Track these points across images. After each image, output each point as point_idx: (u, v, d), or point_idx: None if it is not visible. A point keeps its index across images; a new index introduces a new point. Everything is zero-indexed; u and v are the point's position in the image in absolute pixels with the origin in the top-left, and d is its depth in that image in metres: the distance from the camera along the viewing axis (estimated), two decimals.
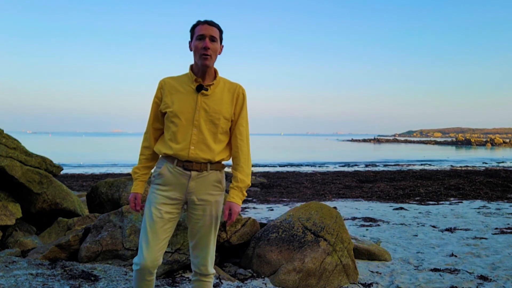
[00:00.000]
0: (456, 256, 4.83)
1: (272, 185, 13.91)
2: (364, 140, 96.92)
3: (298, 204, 9.13)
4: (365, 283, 3.84)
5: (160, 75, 2.66)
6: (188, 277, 3.47)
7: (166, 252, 3.54)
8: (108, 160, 30.46)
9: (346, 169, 22.87)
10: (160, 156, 2.20)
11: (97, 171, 21.69)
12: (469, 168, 21.63)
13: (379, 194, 11.64)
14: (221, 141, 2.16)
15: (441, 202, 9.99)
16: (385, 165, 25.93)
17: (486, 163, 28.04)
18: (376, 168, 22.99)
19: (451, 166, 24.77)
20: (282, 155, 39.82)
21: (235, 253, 4.22)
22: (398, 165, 26.41)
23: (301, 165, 27.05)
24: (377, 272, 4.18)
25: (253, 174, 17.82)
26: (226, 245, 3.99)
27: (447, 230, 6.40)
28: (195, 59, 2.10)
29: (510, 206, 9.06)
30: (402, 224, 6.92)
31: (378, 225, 6.85)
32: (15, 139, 4.78)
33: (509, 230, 6.25)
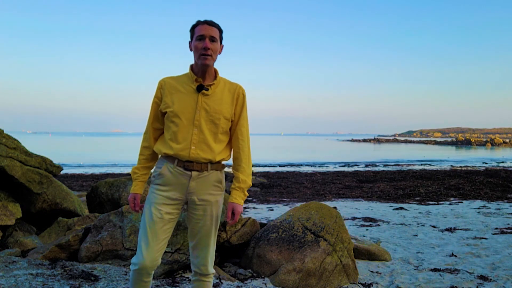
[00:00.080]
0: (456, 256, 4.83)
1: (272, 185, 13.91)
2: (364, 140, 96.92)
3: (298, 204, 9.14)
4: (365, 283, 3.84)
5: (160, 75, 2.67)
6: (188, 277, 3.47)
7: (166, 252, 3.54)
8: (108, 160, 30.45)
9: (346, 169, 22.87)
10: (160, 156, 2.19)
11: (97, 171, 21.69)
12: (469, 168, 21.63)
13: (379, 194, 11.64)
14: (221, 141, 2.16)
15: (441, 202, 9.99)
16: (385, 165, 25.93)
17: (486, 163, 28.04)
18: (376, 168, 22.99)
19: (451, 166, 24.77)
20: (282, 155, 39.81)
21: (235, 253, 4.22)
22: (398, 165, 26.42)
23: (301, 165, 27.05)
24: (377, 272, 4.18)
25: (253, 174, 17.82)
26: (226, 245, 3.99)
27: (447, 230, 6.40)
28: (195, 59, 2.10)
29: (510, 206, 9.06)
30: (402, 224, 6.92)
31: (378, 225, 6.85)
32: (15, 139, 4.78)
33: (509, 230, 6.25)
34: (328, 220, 4.08)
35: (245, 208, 9.14)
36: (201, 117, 2.08)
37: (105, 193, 5.20)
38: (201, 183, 2.11)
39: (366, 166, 25.39)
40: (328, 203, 9.21)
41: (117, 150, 48.22)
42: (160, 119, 2.19)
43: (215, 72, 2.17)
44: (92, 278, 3.12)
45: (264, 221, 5.91)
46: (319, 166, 25.80)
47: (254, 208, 9.24)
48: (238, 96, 2.19)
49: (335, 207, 6.70)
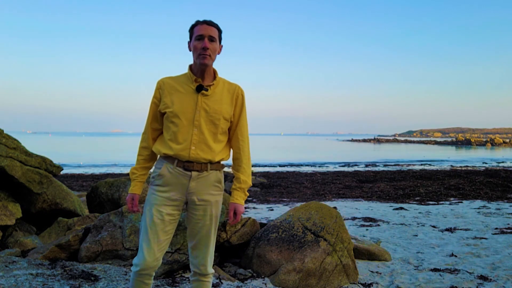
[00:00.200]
0: (456, 256, 4.83)
1: (272, 185, 13.91)
2: (364, 140, 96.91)
3: (298, 204, 9.14)
4: (365, 283, 3.84)
5: (160, 75, 2.66)
6: (188, 277, 3.47)
7: (166, 252, 3.54)
8: (108, 160, 30.45)
9: (346, 169, 22.87)
10: (159, 156, 2.18)
11: (97, 171, 21.69)
12: (469, 168, 21.63)
13: (379, 194, 11.64)
14: (220, 141, 2.16)
15: (441, 202, 9.99)
16: (385, 165, 25.93)
17: (486, 163, 28.04)
18: (376, 168, 22.99)
19: (451, 166, 24.77)
20: (282, 155, 39.82)
21: (235, 253, 4.22)
22: (398, 165, 26.41)
23: (301, 165, 27.05)
24: (377, 272, 4.18)
25: (253, 174, 17.82)
26: (226, 245, 3.99)
27: (447, 230, 6.40)
28: (194, 59, 2.10)
29: (510, 206, 9.06)
30: (402, 224, 6.92)
31: (378, 225, 6.85)
32: (15, 139, 4.78)
33: (509, 230, 6.25)
34: (328, 220, 4.08)
35: (245, 208, 9.14)
36: (200, 118, 2.08)
37: (105, 193, 5.20)
38: (201, 183, 2.10)
39: (366, 166, 25.39)
40: (328, 203, 9.21)
41: (117, 150, 48.22)
42: (159, 120, 2.18)
43: (214, 72, 2.16)
44: (92, 278, 3.12)
45: (264, 221, 5.91)
46: (319, 166, 25.80)
47: (254, 208, 9.24)
48: (237, 97, 2.19)
49: (335, 207, 6.70)
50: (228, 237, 3.97)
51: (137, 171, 2.21)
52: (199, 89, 2.08)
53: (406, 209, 8.72)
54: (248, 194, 2.24)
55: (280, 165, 26.53)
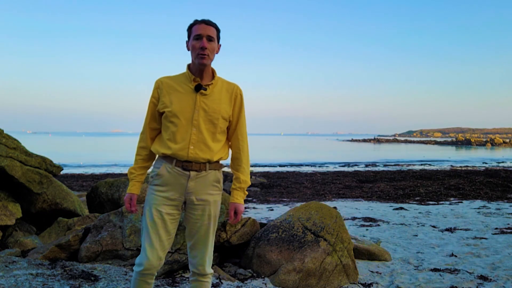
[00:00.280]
0: (456, 256, 4.83)
1: (272, 185, 13.91)
2: (364, 140, 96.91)
3: (298, 204, 9.14)
4: (365, 283, 3.84)
5: (160, 75, 2.65)
6: (188, 277, 3.47)
7: None
8: (108, 160, 30.45)
9: (346, 169, 22.87)
10: (158, 156, 2.18)
11: (97, 171, 21.69)
12: (469, 168, 21.63)
13: (379, 194, 11.64)
14: (219, 140, 2.16)
15: (441, 202, 9.99)
16: (385, 165, 25.93)
17: (486, 163, 28.05)
18: (376, 168, 22.99)
19: (451, 166, 24.77)
20: (282, 155, 39.82)
21: (235, 253, 4.22)
22: (398, 165, 26.41)
23: (301, 165, 27.04)
24: (377, 272, 4.18)
25: (253, 174, 17.82)
26: (226, 245, 3.99)
27: (447, 230, 6.40)
28: (193, 58, 2.09)
29: (510, 206, 9.06)
30: (402, 224, 6.92)
31: (378, 225, 6.85)
32: (15, 139, 4.78)
33: (509, 230, 6.25)
34: (328, 220, 4.08)
35: (245, 208, 9.14)
36: (199, 117, 2.08)
37: (105, 193, 5.20)
38: (200, 183, 2.10)
39: (366, 166, 25.39)
40: (328, 203, 9.21)
41: (117, 150, 48.22)
42: (157, 119, 2.18)
43: (213, 71, 2.16)
44: (92, 278, 3.12)
45: (264, 221, 5.91)
46: (319, 166, 25.80)
47: (254, 208, 9.24)
48: (236, 97, 2.19)
49: (335, 207, 6.70)
50: (228, 237, 3.97)
51: (136, 171, 2.20)
52: (198, 88, 2.08)
53: (406, 209, 8.72)
54: (247, 193, 2.25)
55: (280, 165, 26.53)
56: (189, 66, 2.15)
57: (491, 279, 3.93)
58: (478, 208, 8.75)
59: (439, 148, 58.36)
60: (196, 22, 2.08)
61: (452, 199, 10.64)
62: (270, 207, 9.27)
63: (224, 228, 3.99)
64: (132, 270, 2.13)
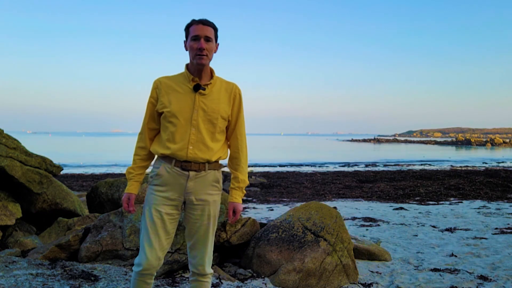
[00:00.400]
0: (456, 256, 4.83)
1: (272, 185, 13.91)
2: (364, 140, 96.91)
3: (298, 204, 9.13)
4: (365, 283, 3.84)
5: (160, 75, 2.63)
6: (188, 277, 3.47)
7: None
8: (108, 160, 30.45)
9: (346, 169, 22.87)
10: (157, 156, 2.18)
11: (97, 171, 21.69)
12: (469, 168, 21.63)
13: (379, 194, 11.64)
14: (218, 140, 2.15)
15: (441, 202, 9.99)
16: (385, 165, 25.93)
17: (486, 163, 28.04)
18: (376, 168, 22.99)
19: (451, 166, 24.77)
20: (282, 155, 39.82)
21: (235, 253, 4.22)
22: (398, 165, 26.41)
23: (301, 165, 27.04)
24: (377, 272, 4.18)
25: (253, 174, 17.82)
26: (226, 245, 3.99)
27: (447, 230, 6.40)
28: (191, 58, 2.09)
29: (510, 206, 9.06)
30: (402, 224, 6.92)
31: (378, 225, 6.85)
32: (15, 139, 4.78)
33: (509, 230, 6.25)
34: (328, 220, 4.08)
35: (245, 208, 9.14)
36: (198, 117, 2.08)
37: (105, 193, 5.20)
38: (199, 183, 2.10)
39: (366, 166, 25.39)
40: (328, 203, 9.21)
41: (117, 150, 48.21)
42: (156, 119, 2.18)
43: (211, 71, 2.16)
44: (92, 278, 3.12)
45: (264, 221, 5.91)
46: (319, 166, 25.80)
47: (254, 208, 9.24)
48: (235, 96, 2.18)
49: (335, 207, 6.70)
50: (228, 237, 3.97)
51: (134, 171, 2.20)
52: (197, 88, 2.07)
53: (406, 209, 8.72)
54: (245, 192, 2.26)
55: (280, 165, 26.53)
56: (187, 66, 2.15)
57: (491, 279, 3.93)
58: (478, 208, 8.75)
59: (439, 148, 58.36)
60: (193, 22, 2.07)
61: (452, 199, 10.64)
62: (270, 207, 9.27)
63: (224, 228, 3.99)
64: (132, 270, 2.13)
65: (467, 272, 4.17)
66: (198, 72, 2.10)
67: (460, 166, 24.12)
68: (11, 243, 4.22)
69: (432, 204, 9.61)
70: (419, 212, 8.25)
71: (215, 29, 2.11)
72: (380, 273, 4.14)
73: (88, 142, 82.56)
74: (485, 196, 10.80)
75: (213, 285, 3.31)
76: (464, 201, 10.07)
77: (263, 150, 48.62)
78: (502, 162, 29.19)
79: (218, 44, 2.15)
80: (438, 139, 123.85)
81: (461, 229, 6.42)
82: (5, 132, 4.76)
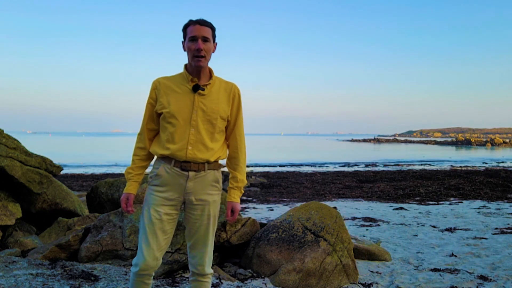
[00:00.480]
0: (456, 256, 4.83)
1: (272, 185, 13.91)
2: (364, 140, 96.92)
3: (298, 204, 9.14)
4: (365, 283, 3.84)
5: (160, 75, 2.63)
6: (188, 277, 3.47)
7: (166, 252, 3.54)
8: (108, 160, 30.46)
9: (346, 169, 22.87)
10: (156, 157, 2.17)
11: (97, 171, 21.70)
12: (469, 168, 21.63)
13: (379, 194, 11.64)
14: (217, 140, 2.15)
15: (441, 202, 9.99)
16: (385, 165, 25.93)
17: (486, 163, 28.04)
18: (376, 168, 22.99)
19: (451, 166, 24.77)
20: (282, 155, 39.82)
21: (235, 253, 4.22)
22: (398, 165, 26.41)
23: (301, 165, 27.04)
24: (377, 272, 4.18)
25: (253, 174, 17.82)
26: (226, 245, 3.99)
27: (447, 230, 6.40)
28: (189, 59, 2.09)
29: (510, 206, 9.06)
30: (402, 224, 6.92)
31: (378, 225, 6.85)
32: (15, 139, 4.78)
33: (509, 230, 6.25)
34: (328, 220, 4.08)
35: (245, 208, 9.14)
36: (198, 117, 2.07)
37: (105, 193, 5.20)
38: (199, 183, 2.10)
39: (366, 166, 25.39)
40: (328, 203, 9.21)
41: (117, 150, 48.20)
42: (155, 120, 2.17)
43: (210, 71, 2.15)
44: (92, 278, 3.12)
45: (264, 221, 5.91)
46: (319, 166, 25.80)
47: (254, 208, 9.24)
48: (234, 96, 2.18)
49: (335, 207, 6.70)
50: (228, 237, 3.97)
51: (133, 171, 2.19)
52: (196, 88, 2.07)
53: (406, 209, 8.72)
54: (243, 191, 2.27)
55: (280, 165, 26.53)
56: (186, 66, 2.15)
57: (491, 279, 3.93)
58: (478, 208, 8.75)
59: (439, 148, 58.37)
60: (190, 23, 2.07)
61: (452, 199, 10.64)
62: (270, 207, 9.27)
63: (224, 228, 3.99)
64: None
65: (467, 272, 4.17)
66: (196, 72, 2.10)
67: (460, 166, 24.12)
68: (11, 243, 4.22)
69: (432, 204, 9.61)
70: (419, 212, 8.25)
71: (213, 29, 2.10)
72: (380, 273, 4.14)
73: (88, 142, 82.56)
74: (485, 196, 10.80)
75: (213, 285, 3.31)
76: (464, 201, 10.08)
77: (263, 150, 48.62)
78: (502, 162, 29.19)
79: (216, 44, 2.15)
80: (438, 139, 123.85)
81: (461, 229, 6.42)
82: (5, 132, 4.76)
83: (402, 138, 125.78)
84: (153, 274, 2.12)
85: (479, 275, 4.06)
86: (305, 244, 3.84)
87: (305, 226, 4.04)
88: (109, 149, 50.16)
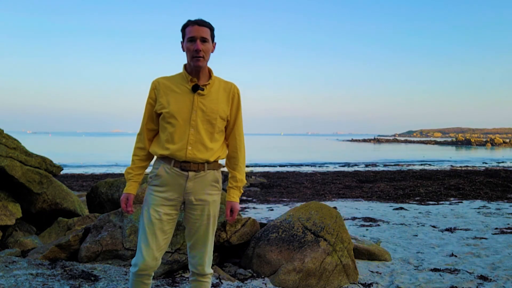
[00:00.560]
0: (456, 256, 4.83)
1: (272, 185, 13.91)
2: (364, 140, 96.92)
3: (298, 204, 9.13)
4: (365, 283, 3.84)
5: (160, 75, 2.62)
6: (188, 277, 3.47)
7: (166, 252, 3.54)
8: (108, 160, 30.46)
9: (346, 169, 22.87)
10: (156, 157, 2.17)
11: (97, 171, 21.70)
12: (469, 168, 21.63)
13: (379, 194, 11.64)
14: (217, 140, 2.16)
15: (441, 202, 9.99)
16: (385, 165, 25.93)
17: (486, 163, 28.05)
18: (376, 168, 22.99)
19: (451, 166, 24.77)
20: (282, 155, 39.82)
21: (235, 253, 4.22)
22: (398, 165, 26.41)
23: (301, 165, 27.05)
24: (377, 272, 4.18)
25: (253, 174, 17.82)
26: (226, 245, 3.99)
27: (447, 230, 6.40)
28: (188, 60, 2.09)
29: (510, 206, 9.06)
30: (402, 224, 6.92)
31: (378, 225, 6.85)
32: (15, 139, 4.78)
33: (509, 230, 6.25)
34: (328, 220, 4.08)
35: (245, 208, 9.14)
36: (197, 117, 2.07)
37: (105, 193, 5.20)
38: (198, 183, 2.10)
39: (366, 166, 25.39)
40: (328, 203, 9.21)
41: (117, 150, 48.20)
42: (154, 120, 2.17)
43: (209, 71, 2.15)
44: (92, 278, 3.12)
45: (264, 221, 5.91)
46: (319, 166, 25.80)
47: (254, 208, 9.24)
48: (233, 96, 2.18)
49: (335, 207, 6.70)
50: (228, 237, 3.97)
51: (133, 171, 2.19)
52: (195, 89, 2.07)
53: (406, 209, 8.72)
54: (243, 191, 2.27)
55: (280, 165, 26.53)
56: (185, 66, 2.15)
57: (491, 279, 3.93)
58: (478, 208, 8.75)
59: (439, 148, 58.36)
60: (189, 23, 2.06)
61: (452, 199, 10.64)
62: (270, 207, 9.27)
63: (224, 228, 3.99)
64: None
65: (467, 272, 4.17)
66: (196, 72, 2.10)
67: (460, 166, 24.12)
68: (11, 243, 4.22)
69: (432, 204, 9.61)
70: (419, 212, 8.25)
71: (211, 29, 2.09)
72: (380, 273, 4.14)
73: (88, 142, 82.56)
74: (485, 196, 10.80)
75: (213, 285, 3.31)
76: (464, 201, 10.08)
77: (263, 150, 48.63)
78: (502, 162, 29.19)
79: (215, 44, 2.15)
80: (438, 139, 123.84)
81: (461, 229, 6.42)
82: (5, 132, 4.76)
83: (402, 138, 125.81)
84: (153, 274, 2.12)
85: (479, 275, 4.06)
86: (305, 244, 3.84)
87: (305, 226, 4.04)
88: (109, 149, 50.15)
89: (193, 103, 2.08)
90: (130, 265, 3.47)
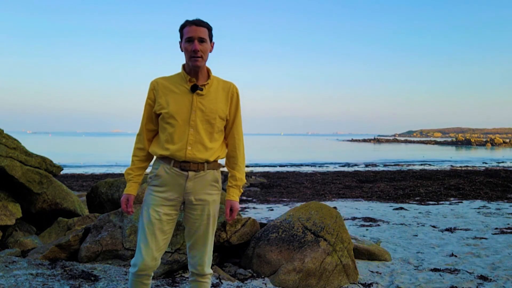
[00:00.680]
0: (456, 256, 4.83)
1: (272, 185, 13.91)
2: (364, 140, 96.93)
3: (298, 204, 9.13)
4: (365, 283, 3.84)
5: (160, 75, 2.62)
6: (188, 277, 3.47)
7: (166, 252, 3.54)
8: (108, 160, 30.46)
9: (346, 169, 22.87)
10: (156, 157, 2.17)
11: (97, 171, 21.70)
12: (469, 168, 21.63)
13: (379, 194, 11.64)
14: (216, 140, 2.16)
15: (441, 202, 9.99)
16: (385, 165, 25.93)
17: (486, 163, 28.04)
18: (376, 168, 22.99)
19: (451, 166, 24.76)
20: (282, 155, 39.82)
21: (235, 253, 4.22)
22: (398, 165, 26.40)
23: (301, 165, 27.05)
24: (377, 272, 4.18)
25: (253, 174, 17.82)
26: (226, 245, 3.99)
27: (447, 230, 6.40)
28: (187, 60, 2.09)
29: (510, 206, 9.06)
30: (402, 224, 6.92)
31: (378, 225, 6.85)
32: (15, 139, 4.78)
33: (509, 230, 6.25)
34: (328, 220, 4.08)
35: (245, 208, 9.14)
36: (196, 118, 2.07)
37: (105, 193, 5.20)
38: (198, 183, 2.10)
39: (366, 166, 25.39)
40: (328, 203, 9.21)
41: (117, 150, 48.19)
42: (153, 120, 2.17)
43: (208, 71, 2.15)
44: (92, 278, 3.12)
45: (264, 221, 5.91)
46: (319, 166, 25.80)
47: (254, 208, 9.24)
48: (232, 95, 2.18)
49: (335, 207, 6.70)
50: (228, 237, 3.97)
51: (133, 172, 2.19)
52: (194, 89, 2.07)
53: (406, 209, 8.72)
54: (242, 191, 2.27)
55: (280, 165, 26.53)
56: (184, 66, 2.14)
57: (491, 279, 3.93)
58: (478, 208, 8.75)
59: (439, 148, 58.36)
60: (186, 24, 2.06)
61: (452, 199, 10.64)
62: (270, 207, 9.27)
63: (224, 228, 3.99)
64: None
65: (467, 272, 4.17)
66: (194, 72, 2.10)
67: (460, 166, 24.12)
68: (11, 243, 4.22)
69: (432, 204, 9.61)
70: (419, 212, 8.25)
71: (209, 29, 2.09)
72: (380, 273, 4.14)
73: (88, 142, 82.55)
74: (485, 196, 10.80)
75: (213, 285, 3.31)
76: (464, 201, 10.07)
77: (263, 150, 48.63)
78: (502, 162, 29.19)
79: (213, 43, 2.14)
80: (438, 139, 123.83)
81: (461, 229, 6.42)
82: (5, 132, 4.76)
83: (402, 138, 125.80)
84: (152, 274, 2.12)
85: (479, 275, 4.06)
86: (305, 244, 3.84)
87: (305, 226, 4.04)
88: (109, 149, 50.15)
89: (192, 103, 2.08)
90: (130, 267, 3.48)
